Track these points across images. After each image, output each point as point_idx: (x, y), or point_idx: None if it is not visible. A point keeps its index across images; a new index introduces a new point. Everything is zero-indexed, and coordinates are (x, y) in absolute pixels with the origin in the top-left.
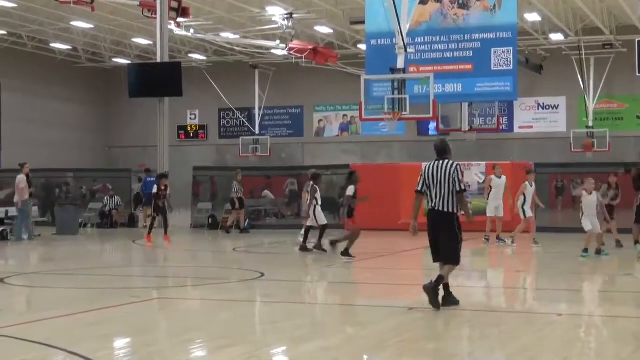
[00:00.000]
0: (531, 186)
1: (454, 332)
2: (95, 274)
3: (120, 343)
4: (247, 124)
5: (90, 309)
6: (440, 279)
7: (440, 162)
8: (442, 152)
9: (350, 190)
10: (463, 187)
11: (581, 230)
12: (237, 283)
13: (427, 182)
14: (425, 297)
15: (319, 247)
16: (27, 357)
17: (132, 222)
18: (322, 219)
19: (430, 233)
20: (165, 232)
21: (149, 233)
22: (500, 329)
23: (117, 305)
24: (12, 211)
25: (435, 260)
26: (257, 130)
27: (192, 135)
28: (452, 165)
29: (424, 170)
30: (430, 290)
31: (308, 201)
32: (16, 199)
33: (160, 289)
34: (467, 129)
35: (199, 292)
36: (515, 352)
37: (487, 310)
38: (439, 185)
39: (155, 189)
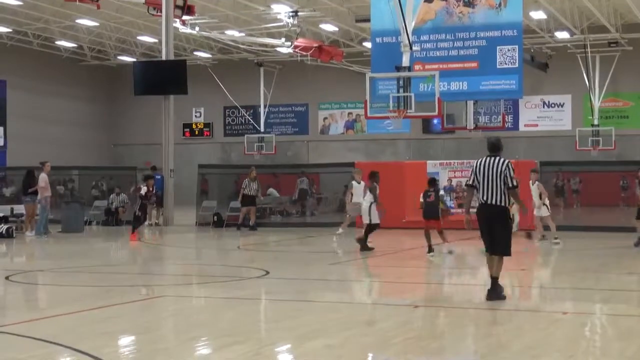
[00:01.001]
0: (533, 184)
1: (459, 330)
2: (101, 272)
3: (126, 340)
4: (252, 121)
5: (95, 307)
6: (495, 280)
7: (492, 158)
8: (495, 149)
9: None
10: (515, 184)
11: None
12: (242, 281)
13: (478, 177)
14: (430, 295)
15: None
16: (32, 354)
17: (137, 220)
18: (376, 218)
19: (482, 226)
20: (133, 232)
21: (134, 232)
22: (505, 327)
23: (122, 302)
24: (19, 208)
25: (492, 252)
26: (262, 128)
27: (197, 133)
28: (503, 163)
29: (474, 165)
30: (494, 295)
31: (366, 199)
32: (39, 196)
33: (166, 287)
34: (472, 127)
35: (204, 290)
36: (520, 351)
37: (492, 308)
38: (490, 180)
39: (144, 190)
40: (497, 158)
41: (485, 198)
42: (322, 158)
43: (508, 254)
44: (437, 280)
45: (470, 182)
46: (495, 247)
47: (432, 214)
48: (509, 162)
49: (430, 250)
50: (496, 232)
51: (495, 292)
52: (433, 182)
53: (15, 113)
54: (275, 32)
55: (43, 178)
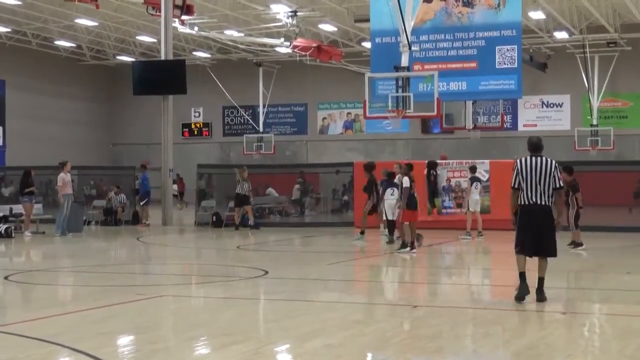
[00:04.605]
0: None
1: (458, 330)
2: (100, 272)
3: (125, 340)
4: (251, 121)
5: (94, 307)
6: (543, 280)
7: (538, 158)
8: (538, 148)
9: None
10: (562, 184)
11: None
12: (241, 280)
13: (525, 177)
14: (428, 294)
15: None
16: (31, 353)
17: (136, 219)
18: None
19: (528, 227)
20: None
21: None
22: (504, 327)
23: (121, 302)
24: (17, 208)
25: (531, 255)
26: (261, 128)
27: (196, 132)
28: (552, 162)
29: (519, 166)
30: (543, 295)
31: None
32: (59, 194)
33: (165, 287)
34: (471, 127)
35: (204, 290)
36: (520, 351)
37: (490, 308)
38: (539, 180)
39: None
40: (544, 157)
41: (534, 199)
42: (321, 158)
43: (555, 254)
44: (436, 280)
45: (516, 185)
46: (542, 248)
47: (415, 206)
48: (556, 162)
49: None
50: (545, 233)
51: (543, 293)
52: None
53: (14, 113)
54: (274, 32)
55: (61, 178)
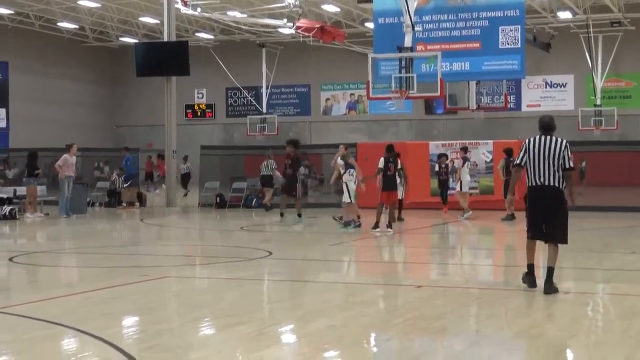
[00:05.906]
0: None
1: (461, 310)
2: (104, 253)
3: (129, 321)
4: (254, 102)
5: (98, 288)
6: (552, 270)
7: (548, 137)
8: (550, 128)
9: None
10: (573, 165)
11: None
12: (244, 261)
13: (533, 156)
14: (431, 275)
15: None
16: (35, 334)
17: (140, 201)
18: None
19: (535, 209)
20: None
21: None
22: (508, 306)
23: (125, 283)
24: (21, 190)
25: (538, 238)
26: (264, 109)
27: (199, 114)
28: (562, 142)
29: (527, 144)
30: (552, 288)
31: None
32: (60, 176)
33: (168, 268)
34: (474, 108)
35: (207, 271)
36: (523, 330)
37: (494, 288)
38: (547, 160)
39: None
40: (554, 137)
41: (541, 180)
42: (324, 139)
43: (565, 241)
44: (439, 260)
45: (521, 162)
46: (550, 234)
47: (393, 186)
48: (567, 141)
49: (376, 226)
50: (553, 217)
51: (551, 284)
52: (391, 149)
53: (18, 95)
54: (277, 13)
55: (64, 158)
